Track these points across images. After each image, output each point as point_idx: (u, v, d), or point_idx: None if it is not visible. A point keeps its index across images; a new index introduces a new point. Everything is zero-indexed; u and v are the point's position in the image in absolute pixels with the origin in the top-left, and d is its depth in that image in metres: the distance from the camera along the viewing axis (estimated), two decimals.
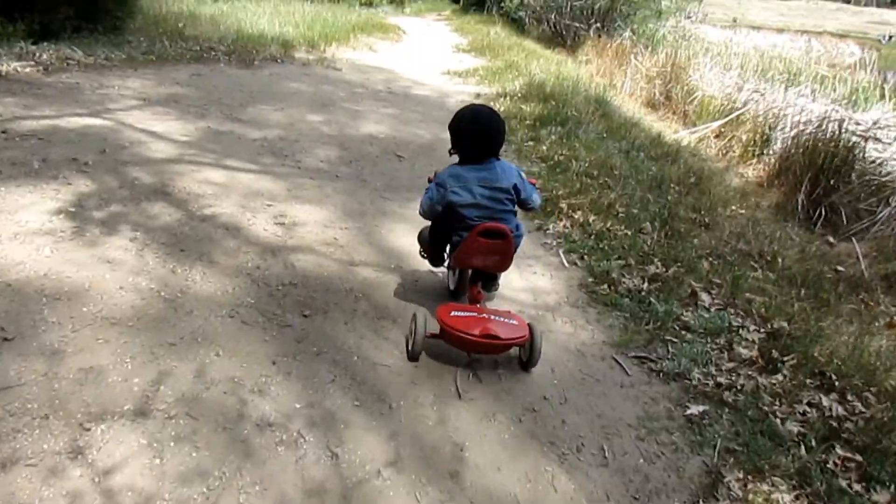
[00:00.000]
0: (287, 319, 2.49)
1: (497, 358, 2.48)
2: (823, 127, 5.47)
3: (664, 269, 3.34)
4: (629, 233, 3.76)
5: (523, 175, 2.54)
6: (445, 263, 2.74)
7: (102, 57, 6.61)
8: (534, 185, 2.62)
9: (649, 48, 15.90)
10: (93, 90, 5.40)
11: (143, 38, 7.84)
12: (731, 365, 2.68)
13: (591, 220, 3.85)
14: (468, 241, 2.37)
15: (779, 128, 6.97)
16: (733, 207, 4.57)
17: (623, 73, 12.86)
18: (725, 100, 8.75)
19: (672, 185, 4.82)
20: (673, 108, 9.25)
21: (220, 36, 8.34)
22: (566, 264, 3.39)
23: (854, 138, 5.22)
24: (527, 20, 21.42)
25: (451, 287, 2.82)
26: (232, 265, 2.80)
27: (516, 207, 2.51)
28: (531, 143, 5.57)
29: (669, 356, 2.68)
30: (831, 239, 4.41)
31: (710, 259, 3.54)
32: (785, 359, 2.72)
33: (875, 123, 6.58)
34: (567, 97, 7.22)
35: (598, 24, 17.15)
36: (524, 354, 2.45)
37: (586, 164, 4.93)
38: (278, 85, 6.56)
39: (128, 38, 7.80)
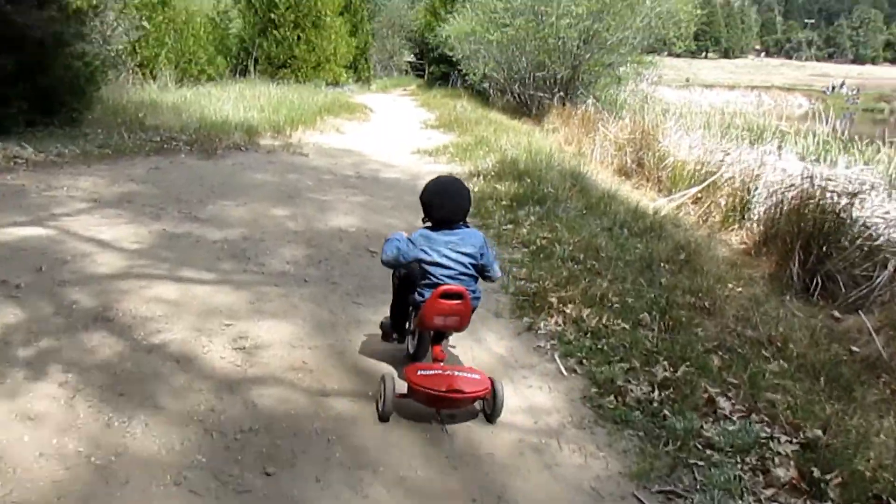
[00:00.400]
0: (246, 482, 2.06)
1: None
2: (805, 190, 5.33)
3: (673, 371, 3.00)
4: (627, 327, 3.44)
5: (488, 244, 2.75)
6: (405, 338, 2.93)
7: (54, 153, 6.28)
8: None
9: (613, 113, 16.22)
10: (39, 193, 5.03)
11: (101, 130, 7.57)
12: (769, 492, 2.31)
13: (584, 315, 3.52)
14: (429, 302, 2.51)
15: (756, 191, 6.87)
16: (730, 285, 4.29)
17: (591, 141, 12.93)
18: (697, 164, 8.71)
19: (663, 265, 4.55)
20: (646, 174, 9.17)
21: (181, 125, 8.10)
22: (564, 372, 3.02)
23: (841, 200, 5.07)
24: (491, 92, 21.84)
25: (412, 350, 2.88)
26: (181, 410, 2.38)
27: (477, 274, 2.70)
28: (510, 226, 5.30)
29: (699, 487, 2.30)
30: (836, 313, 4.14)
31: (720, 353, 3.21)
32: (828, 477, 2.36)
33: (855, 181, 6.49)
34: (542, 173, 7.05)
35: (562, 93, 17.47)
36: (488, 407, 2.60)
37: (570, 248, 4.65)
38: (242, 176, 6.26)
39: (85, 130, 7.52)
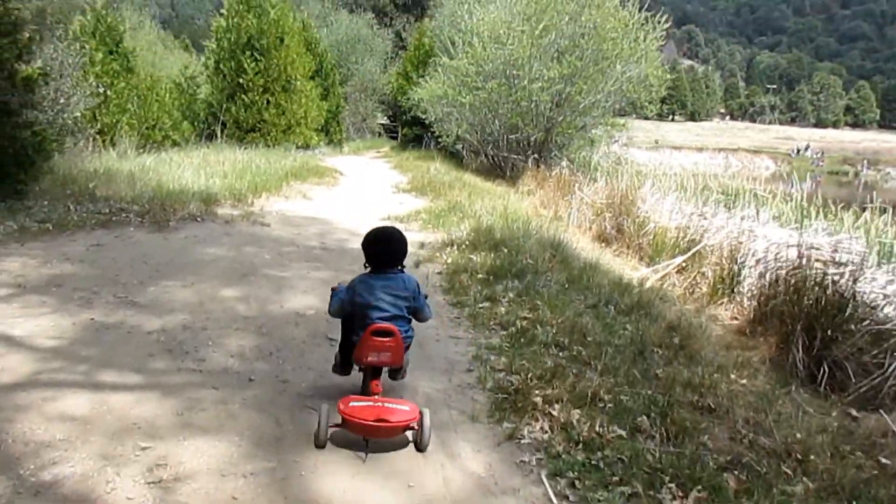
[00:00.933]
0: None
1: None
2: (800, 264, 5.01)
3: (682, 497, 2.53)
4: (624, 434, 2.97)
5: (421, 289, 3.02)
6: (343, 370, 3.17)
7: None
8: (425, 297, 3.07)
9: (587, 175, 16.14)
10: None
11: (47, 202, 7.07)
12: None
13: (574, 420, 3.05)
14: (363, 340, 2.79)
15: (743, 261, 6.56)
16: (732, 376, 3.87)
17: (567, 204, 12.72)
18: (678, 230, 8.46)
19: (655, 350, 4.12)
20: (626, 241, 8.88)
21: (135, 194, 7.63)
22: (554, 500, 2.53)
23: (840, 275, 4.74)
24: (465, 153, 21.85)
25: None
26: None
27: (410, 316, 2.99)
28: (487, 303, 4.86)
29: None
30: (853, 411, 3.72)
31: (735, 471, 2.75)
32: None
33: (842, 250, 6.22)
34: (519, 242, 6.68)
35: (536, 155, 17.44)
36: (416, 437, 2.79)
37: (554, 330, 4.22)
38: (193, 251, 5.76)
39: (28, 203, 7.01)
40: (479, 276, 5.65)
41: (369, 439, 2.71)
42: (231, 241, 6.24)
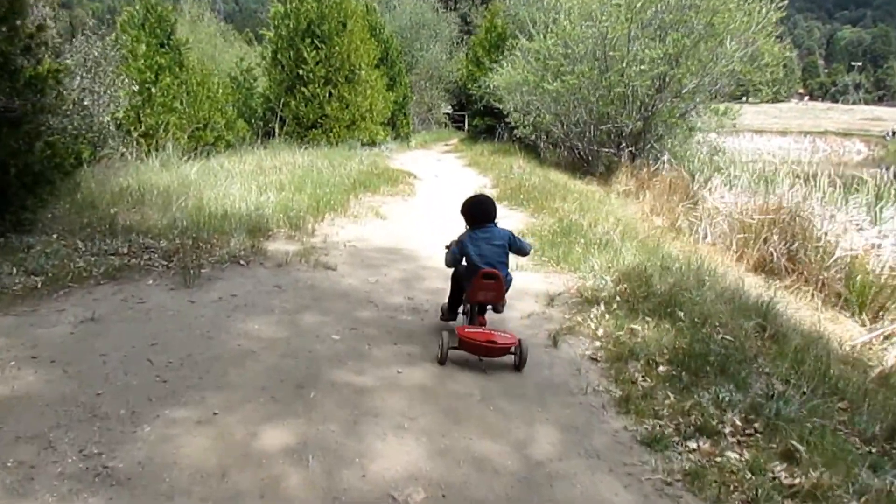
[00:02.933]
0: None
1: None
2: None
3: None
4: None
5: (514, 234, 3.82)
6: (458, 318, 3.96)
7: None
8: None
9: (697, 172, 13.72)
10: None
11: (55, 238, 5.37)
12: None
13: None
14: (475, 282, 3.53)
15: None
16: None
17: (686, 212, 10.42)
18: (872, 259, 6.11)
19: None
20: (804, 275, 6.57)
21: (165, 224, 5.85)
22: None
23: None
24: (542, 146, 19.57)
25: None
26: None
27: (509, 258, 3.74)
28: (701, 442, 2.78)
29: None
30: None
31: None
32: None
33: None
34: (692, 296, 4.54)
35: (631, 148, 15.06)
36: (516, 360, 3.52)
37: None
38: (227, 328, 3.86)
39: (29, 241, 5.31)
40: (661, 367, 3.55)
41: (482, 357, 3.51)
42: (283, 305, 4.31)
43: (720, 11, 13.46)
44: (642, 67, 13.24)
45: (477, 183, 11.33)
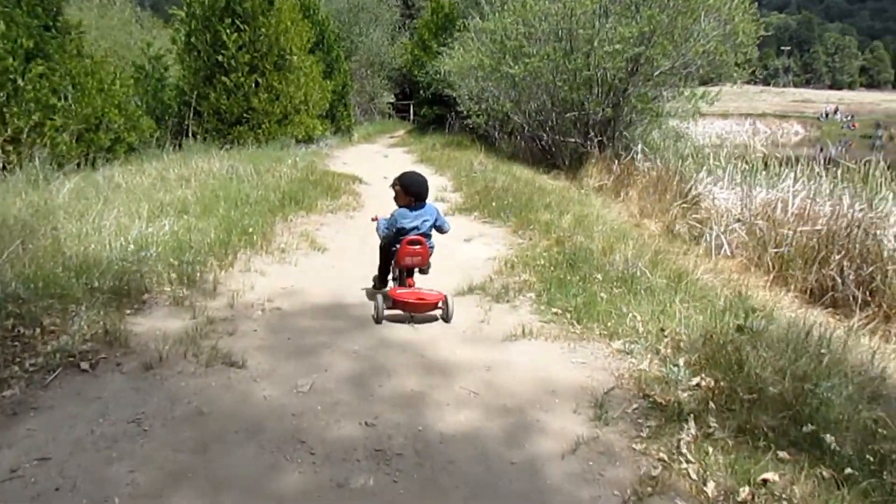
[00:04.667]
0: None
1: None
2: None
3: None
4: None
5: (440, 211, 4.13)
6: (388, 285, 4.18)
7: None
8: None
9: (673, 163, 12.24)
10: None
11: None
12: None
13: None
14: (401, 248, 3.87)
15: None
16: None
17: (684, 214, 8.80)
18: None
19: None
20: (883, 308, 4.91)
21: None
22: None
23: None
24: (496, 135, 17.74)
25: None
26: None
27: (433, 231, 4.05)
28: None
29: None
30: None
31: None
32: None
33: None
34: (828, 400, 2.74)
35: (600, 138, 13.38)
36: (443, 313, 3.93)
37: None
38: None
39: None
40: None
41: (413, 314, 3.88)
42: (137, 478, 2.26)
43: None
44: (616, 47, 11.52)
45: (434, 185, 9.32)
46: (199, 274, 4.23)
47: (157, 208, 5.98)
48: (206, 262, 4.49)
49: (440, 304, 3.91)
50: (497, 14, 13.96)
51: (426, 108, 20.78)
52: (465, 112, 16.17)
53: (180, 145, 11.09)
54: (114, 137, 9.96)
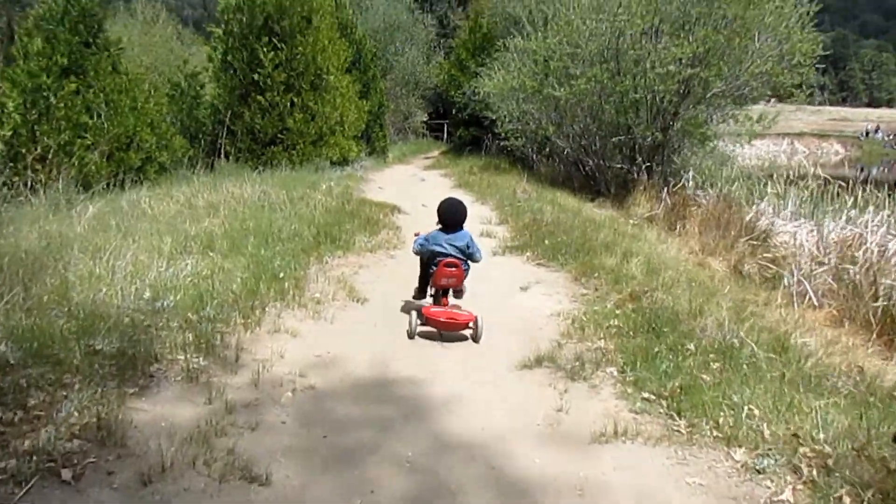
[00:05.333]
0: None
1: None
2: None
3: None
4: None
5: (473, 239, 4.23)
6: (426, 297, 4.34)
7: None
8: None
9: (735, 194, 11.37)
10: None
11: None
12: None
13: None
14: (438, 270, 4.03)
15: None
16: None
17: (753, 252, 7.94)
18: None
19: None
20: None
21: None
22: None
23: None
24: (534, 158, 16.99)
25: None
26: None
27: (467, 258, 4.18)
28: None
29: None
30: None
31: None
32: None
33: None
34: None
35: (648, 164, 12.53)
36: (473, 333, 4.05)
37: None
38: None
39: None
40: None
41: (443, 332, 4.03)
42: None
43: (755, 2, 11.07)
44: (669, 68, 10.71)
45: (477, 215, 8.59)
46: (219, 337, 3.53)
47: (180, 243, 5.34)
48: (230, 318, 3.78)
49: (470, 325, 4.05)
50: (540, 34, 13.25)
51: (462, 130, 20.12)
52: (503, 134, 15.48)
53: (212, 165, 10.56)
54: (145, 157, 9.45)
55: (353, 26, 16.78)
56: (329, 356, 3.60)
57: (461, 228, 4.16)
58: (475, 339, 4.03)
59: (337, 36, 13.69)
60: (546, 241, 6.72)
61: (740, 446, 2.79)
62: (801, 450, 2.72)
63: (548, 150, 15.86)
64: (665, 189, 11.58)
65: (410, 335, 4.00)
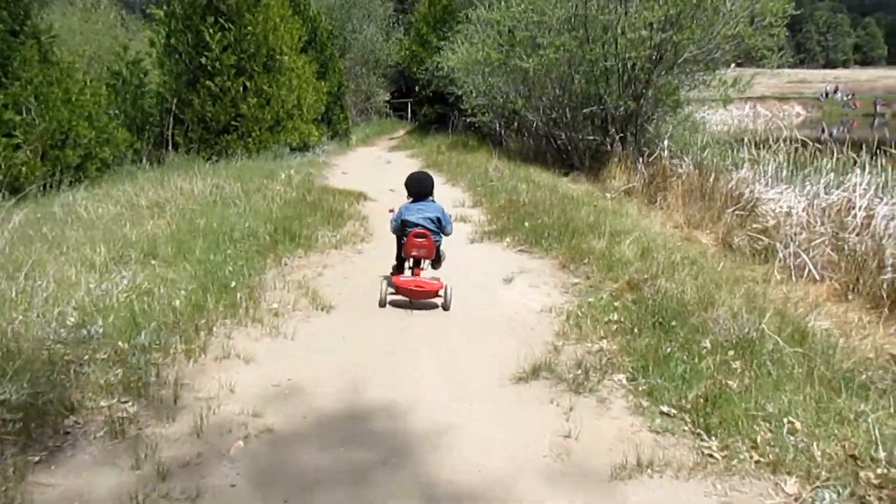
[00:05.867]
0: None
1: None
2: None
3: None
4: None
5: (445, 211, 4.30)
6: (405, 271, 4.31)
7: None
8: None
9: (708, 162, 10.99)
10: None
11: None
12: None
13: None
14: (408, 241, 4.12)
15: None
16: None
17: (741, 223, 7.58)
18: None
19: None
20: None
21: None
22: None
23: None
24: (502, 133, 16.40)
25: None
26: None
27: (438, 229, 4.24)
28: None
29: None
30: None
31: None
32: None
33: None
34: None
35: (621, 134, 12.06)
36: (443, 301, 4.12)
37: None
38: None
39: None
40: None
41: (412, 300, 4.14)
42: None
43: None
44: (641, 33, 10.21)
45: (450, 197, 8.00)
46: (154, 371, 2.91)
47: (117, 251, 4.66)
48: (169, 345, 3.17)
49: (440, 293, 4.11)
50: (503, 3, 12.59)
51: (427, 108, 19.37)
52: (469, 110, 14.85)
53: (160, 159, 9.75)
54: (84, 154, 8.61)
55: (307, 2, 15.84)
56: (289, 385, 3.01)
57: (431, 200, 4.29)
58: (445, 307, 4.11)
59: (289, 13, 12.82)
60: (526, 224, 6.19)
61: (790, 474, 2.31)
62: (863, 475, 2.25)
63: (516, 124, 15.30)
64: (640, 160, 11.17)
65: (381, 304, 4.12)
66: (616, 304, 4.00)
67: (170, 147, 10.57)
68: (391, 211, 4.39)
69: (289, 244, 5.02)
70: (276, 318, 3.76)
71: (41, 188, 7.86)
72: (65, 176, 8.22)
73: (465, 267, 4.99)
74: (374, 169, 11.94)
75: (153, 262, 4.56)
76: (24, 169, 7.55)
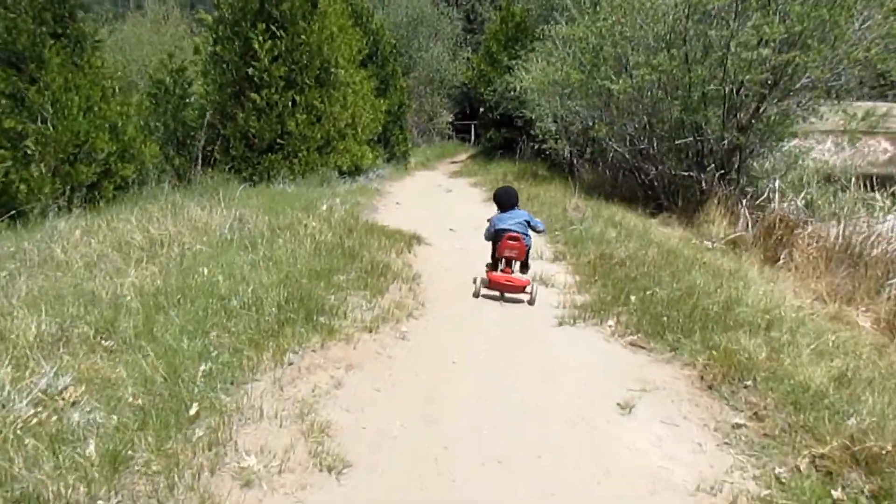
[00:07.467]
0: None
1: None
2: None
3: None
4: None
5: (530, 215, 4.88)
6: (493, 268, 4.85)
7: None
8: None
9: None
10: None
11: None
12: None
13: None
14: (502, 242, 4.67)
15: None
16: None
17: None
18: None
19: None
20: None
21: None
22: None
23: None
24: (575, 163, 14.63)
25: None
26: None
27: (530, 231, 4.81)
28: None
29: None
30: None
31: None
32: None
33: None
34: None
35: (722, 171, 10.15)
36: (529, 298, 4.63)
37: None
38: None
39: None
40: None
41: (503, 293, 4.69)
42: None
43: None
44: (761, 52, 8.34)
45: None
46: None
47: (65, 322, 3.21)
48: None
49: (527, 289, 4.63)
50: (587, 17, 10.94)
51: (493, 131, 17.81)
52: (540, 135, 13.19)
53: (189, 179, 8.49)
54: (102, 170, 7.40)
55: (369, 13, 14.60)
56: None
57: (516, 208, 4.87)
58: (531, 302, 4.59)
59: (349, 23, 11.54)
60: (632, 298, 4.43)
61: None
62: None
63: (589, 153, 13.54)
64: (741, 201, 9.28)
65: (475, 294, 4.67)
66: (837, 494, 2.21)
67: (204, 164, 9.33)
68: (489, 221, 4.96)
69: (302, 326, 3.43)
70: (246, 492, 2.15)
71: (57, 208, 6.71)
72: (76, 195, 7.03)
73: (554, 374, 3.28)
74: (433, 199, 10.39)
75: (104, 343, 3.08)
76: (21, 186, 6.35)
